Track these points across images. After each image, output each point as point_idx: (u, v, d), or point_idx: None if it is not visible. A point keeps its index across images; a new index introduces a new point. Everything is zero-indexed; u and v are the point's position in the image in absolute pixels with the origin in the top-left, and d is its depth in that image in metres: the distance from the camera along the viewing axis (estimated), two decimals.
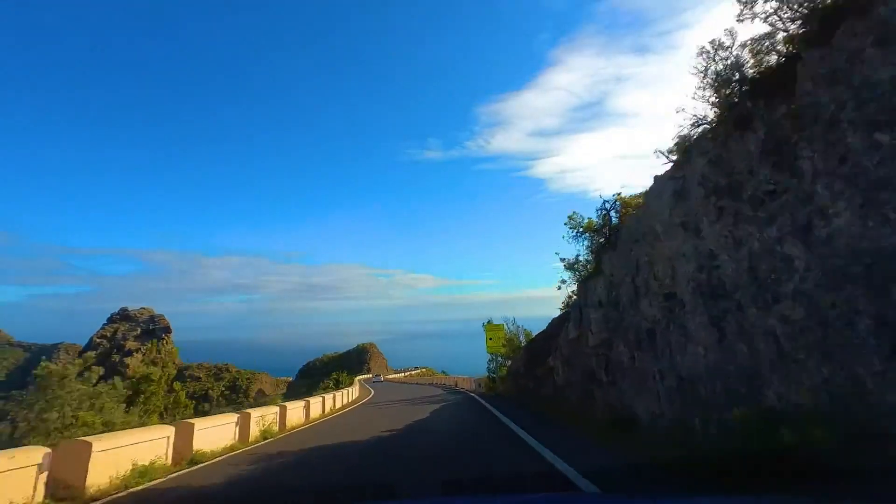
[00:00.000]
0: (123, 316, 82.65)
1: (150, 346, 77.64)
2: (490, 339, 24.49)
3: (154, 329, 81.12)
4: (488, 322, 25.67)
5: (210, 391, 71.48)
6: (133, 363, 73.91)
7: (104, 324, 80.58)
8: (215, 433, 9.46)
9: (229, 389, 72.11)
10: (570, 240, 13.36)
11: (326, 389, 34.66)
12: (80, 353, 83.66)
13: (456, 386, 33.60)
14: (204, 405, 66.69)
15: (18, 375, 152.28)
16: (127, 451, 6.61)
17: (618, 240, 9.83)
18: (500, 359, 24.69)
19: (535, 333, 19.88)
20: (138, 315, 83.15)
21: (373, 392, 33.47)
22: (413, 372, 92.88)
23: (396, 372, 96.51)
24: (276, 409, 12.93)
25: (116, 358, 73.16)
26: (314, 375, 75.21)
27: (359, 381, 51.30)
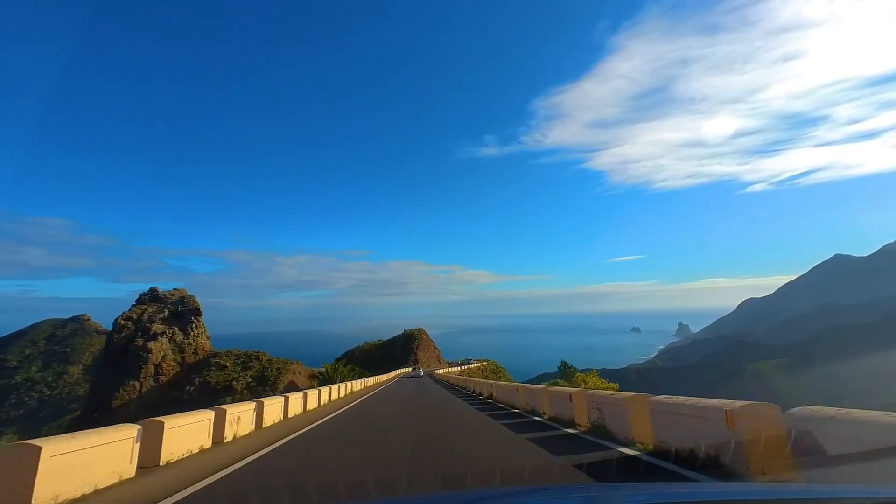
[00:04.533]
0: (153, 297, 75.74)
1: (176, 329, 69.67)
2: None
3: (184, 311, 73.18)
4: None
5: (235, 382, 61.43)
6: (157, 348, 65.97)
7: (132, 305, 73.94)
8: None
9: (256, 381, 61.63)
10: None
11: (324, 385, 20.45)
12: (109, 337, 77.89)
13: None
14: (226, 398, 56.58)
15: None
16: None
17: None
18: None
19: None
20: (168, 296, 75.85)
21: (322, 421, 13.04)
22: (471, 366, 78.43)
23: (450, 365, 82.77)
24: None
25: (140, 342, 65.41)
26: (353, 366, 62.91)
27: (373, 381, 36.52)
